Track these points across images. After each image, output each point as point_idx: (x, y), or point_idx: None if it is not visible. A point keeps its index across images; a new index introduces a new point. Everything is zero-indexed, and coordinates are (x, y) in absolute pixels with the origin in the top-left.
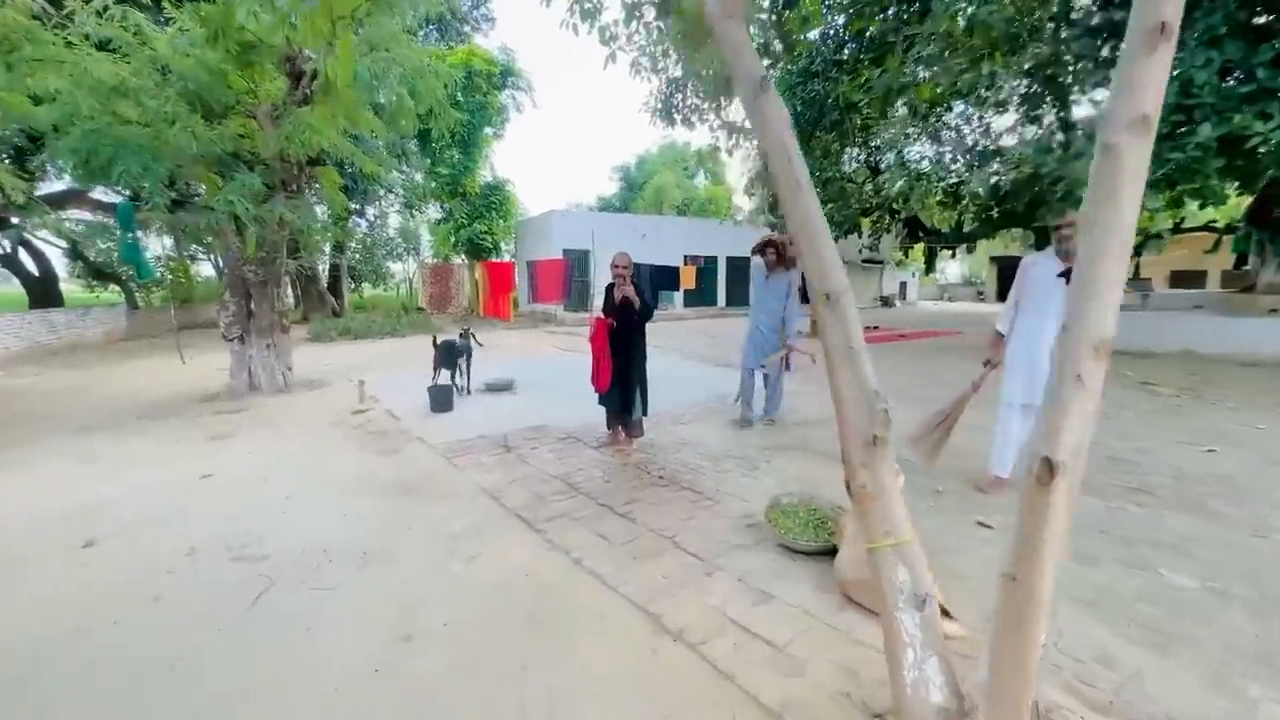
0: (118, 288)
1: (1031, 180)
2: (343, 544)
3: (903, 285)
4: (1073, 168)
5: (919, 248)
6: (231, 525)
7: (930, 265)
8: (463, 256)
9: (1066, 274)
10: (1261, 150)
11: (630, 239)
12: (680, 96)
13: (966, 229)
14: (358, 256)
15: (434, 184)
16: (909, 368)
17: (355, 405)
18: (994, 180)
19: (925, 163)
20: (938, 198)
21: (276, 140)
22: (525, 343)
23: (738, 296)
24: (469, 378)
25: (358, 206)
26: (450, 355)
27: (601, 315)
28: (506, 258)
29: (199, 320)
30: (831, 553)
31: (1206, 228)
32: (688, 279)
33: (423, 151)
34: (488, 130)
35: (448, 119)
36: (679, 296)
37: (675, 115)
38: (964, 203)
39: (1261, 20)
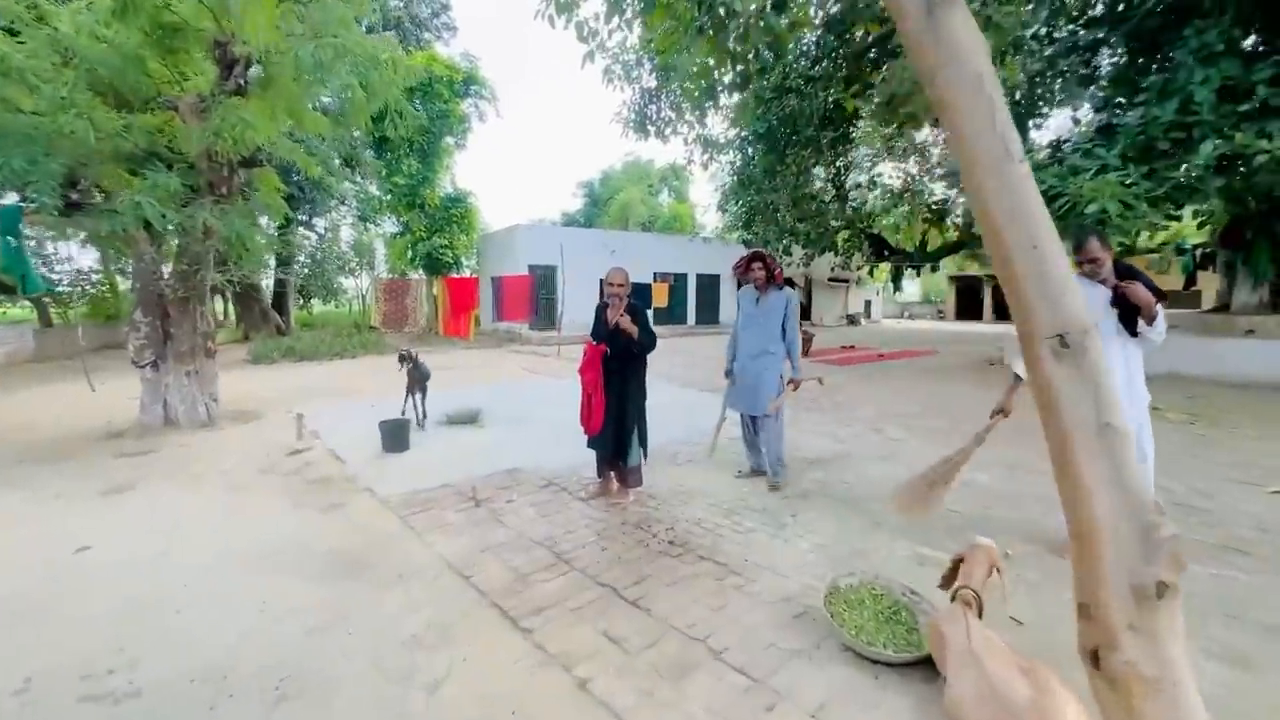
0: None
1: None
2: (253, 665)
3: (867, 304)
4: (1073, 183)
5: (884, 266)
6: (97, 633)
7: (897, 284)
8: (420, 272)
9: (1123, 304)
10: (1262, 168)
11: (599, 255)
12: (655, 108)
13: (930, 248)
14: (306, 271)
15: (390, 195)
16: (905, 392)
17: (292, 444)
18: None
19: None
20: (923, 215)
21: (201, 136)
22: (489, 364)
23: (708, 315)
24: (423, 408)
25: (305, 217)
26: (422, 377)
27: (591, 342)
28: (468, 273)
29: (121, 340)
30: (925, 663)
31: (1155, 250)
32: (659, 297)
33: (379, 159)
34: (449, 140)
35: (408, 122)
36: (648, 315)
37: (649, 127)
38: (946, 220)
39: (1259, 38)
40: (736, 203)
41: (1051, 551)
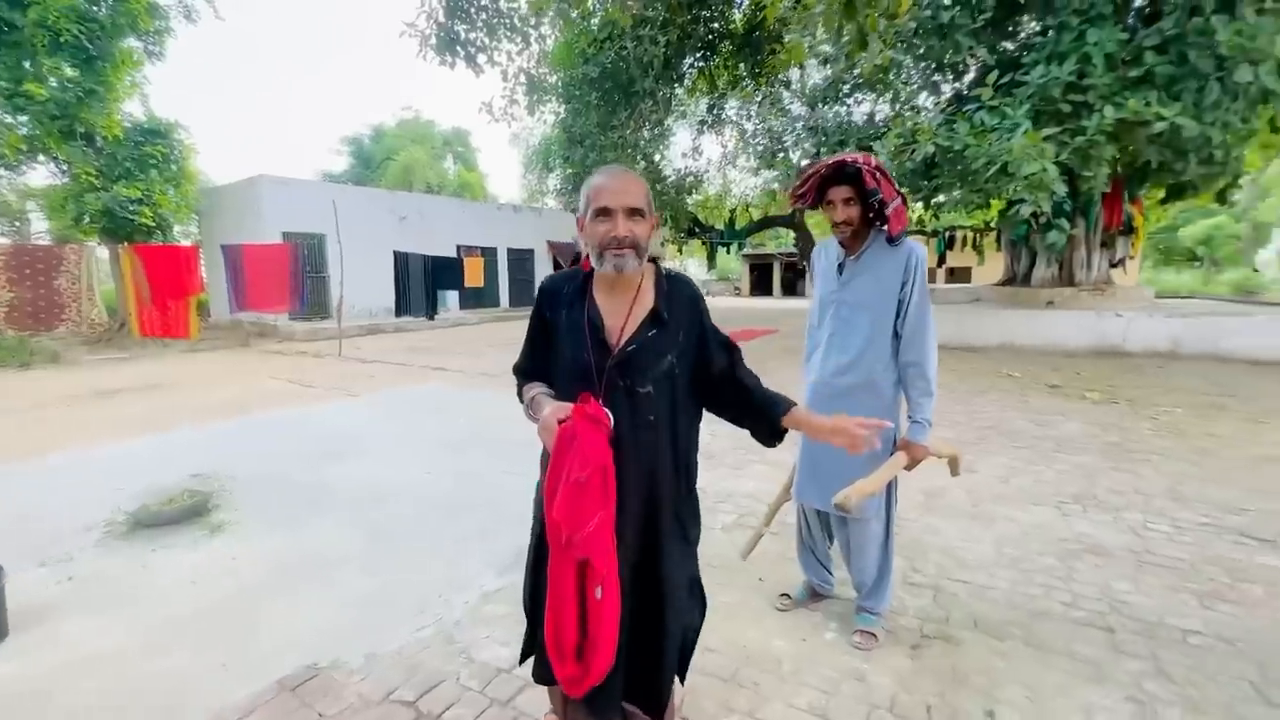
0: None
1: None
2: None
3: None
4: (986, 142)
5: (695, 243)
6: None
7: (712, 261)
8: (97, 239)
9: None
10: (1157, 138)
11: (385, 222)
12: (464, 24)
13: (738, 226)
14: None
15: (24, 115)
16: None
17: None
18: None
19: (718, 152)
20: (790, 185)
21: None
22: (228, 377)
23: (523, 295)
24: None
25: None
26: None
27: (558, 410)
28: (184, 242)
29: None
30: None
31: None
32: (473, 275)
33: None
34: (132, 41)
35: None
36: (453, 297)
37: (459, 49)
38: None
39: (1140, 2)
40: (565, 162)
41: None
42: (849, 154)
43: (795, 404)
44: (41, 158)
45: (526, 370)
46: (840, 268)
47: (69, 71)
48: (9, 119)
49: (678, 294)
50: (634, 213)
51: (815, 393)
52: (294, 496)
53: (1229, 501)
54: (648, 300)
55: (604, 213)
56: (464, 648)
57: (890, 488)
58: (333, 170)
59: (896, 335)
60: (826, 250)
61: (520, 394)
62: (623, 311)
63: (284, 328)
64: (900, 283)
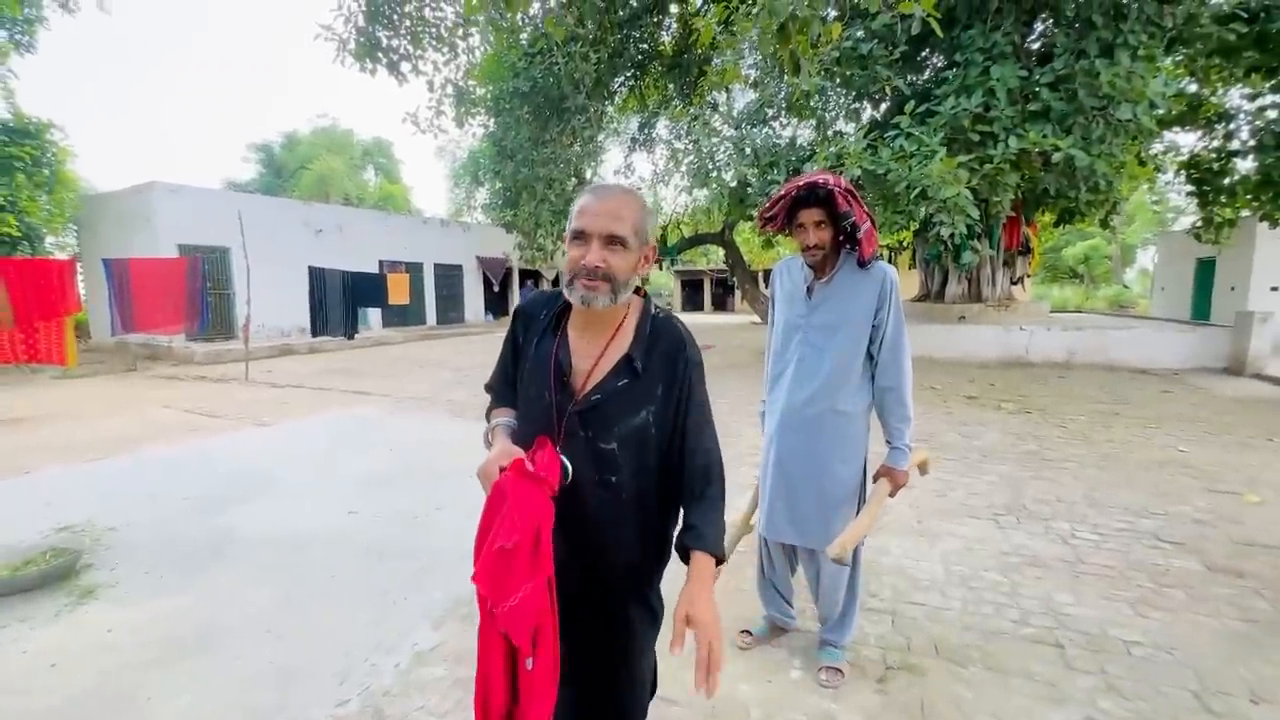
0: None
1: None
2: None
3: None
4: (907, 167)
5: None
6: None
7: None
8: None
9: None
10: (1054, 167)
11: (298, 234)
12: (386, 31)
13: (669, 243)
14: None
15: None
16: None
17: None
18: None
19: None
20: (723, 204)
21: None
22: (111, 409)
23: (451, 311)
24: None
25: None
26: None
27: (501, 453)
28: (59, 254)
29: None
30: None
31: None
32: (398, 292)
33: None
34: None
35: None
36: (375, 315)
37: (380, 56)
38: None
39: (1036, 44)
40: (496, 176)
41: None
42: (819, 174)
43: (703, 549)
44: None
45: (498, 392)
46: (809, 290)
47: None
48: None
49: (659, 341)
50: (613, 240)
51: (784, 422)
52: (189, 548)
53: (1140, 505)
54: (624, 343)
55: (579, 236)
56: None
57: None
58: (239, 179)
59: (870, 359)
60: (789, 271)
61: (488, 415)
62: (594, 353)
63: (180, 350)
64: (874, 307)
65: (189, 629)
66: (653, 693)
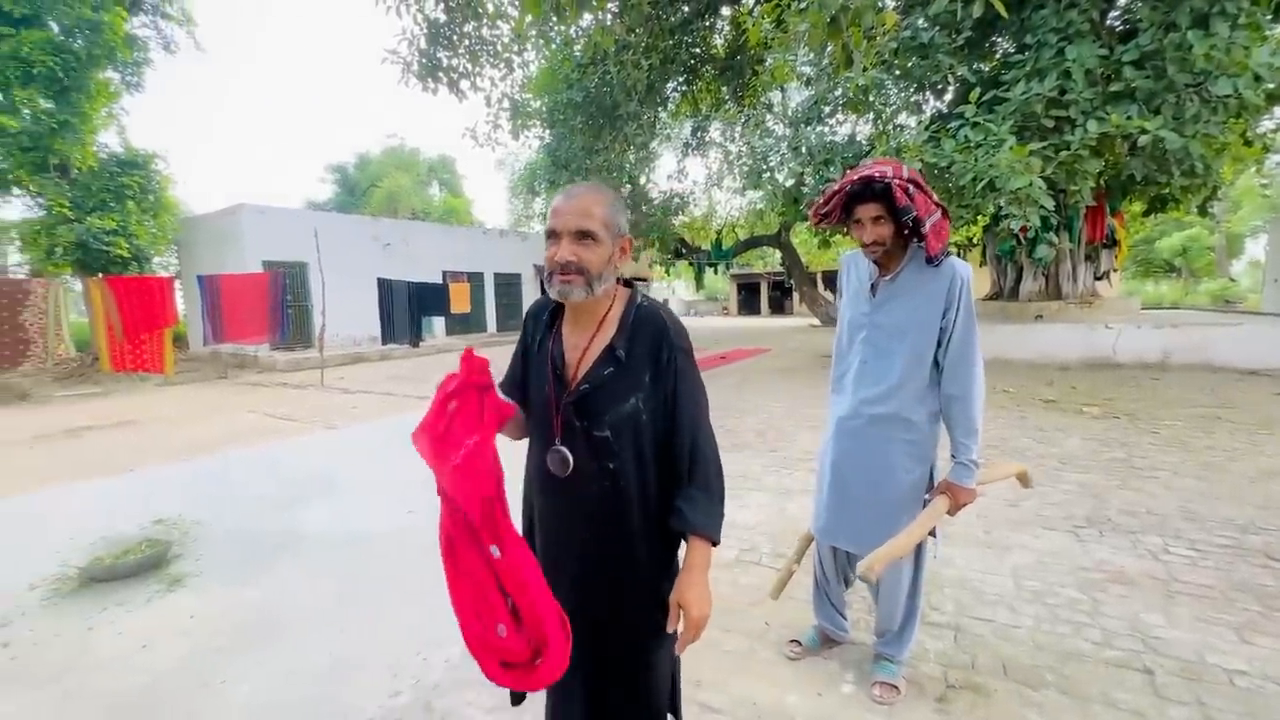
0: None
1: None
2: None
3: (664, 302)
4: (974, 158)
5: (683, 264)
6: None
7: (700, 281)
8: (71, 273)
9: None
10: (1142, 151)
11: (367, 249)
12: (446, 51)
13: (725, 246)
14: None
15: None
16: (815, 403)
17: None
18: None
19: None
20: (777, 205)
21: None
22: (203, 413)
23: (510, 319)
24: None
25: None
26: None
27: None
28: (164, 273)
29: None
30: None
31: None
32: (459, 301)
33: None
34: (110, 74)
35: None
36: (439, 323)
37: (441, 76)
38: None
39: (1117, 21)
40: (550, 186)
41: None
42: (875, 166)
43: (690, 532)
44: (16, 190)
45: (506, 392)
46: (873, 288)
47: (43, 103)
48: None
49: (642, 328)
50: (583, 236)
51: (842, 425)
52: (263, 543)
53: (1246, 520)
54: (609, 334)
55: (551, 235)
56: (443, 716)
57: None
58: (317, 198)
59: (937, 364)
60: (856, 266)
61: None
62: (583, 345)
63: (264, 358)
64: (943, 308)
65: (257, 618)
66: (674, 706)
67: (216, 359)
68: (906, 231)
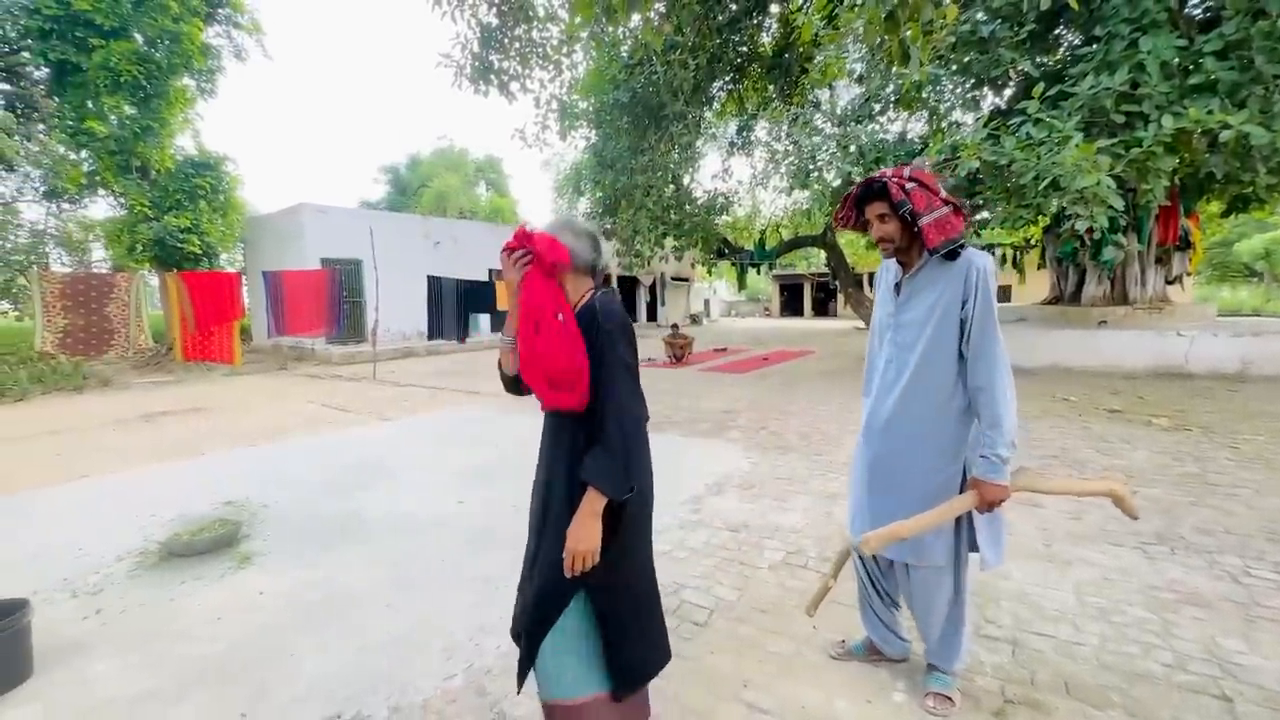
0: None
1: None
2: None
3: (706, 303)
4: (1034, 155)
5: (725, 264)
6: None
7: (742, 281)
8: (148, 268)
9: None
10: (1223, 146)
11: (418, 247)
12: (498, 54)
13: (768, 246)
14: None
15: (85, 151)
16: (856, 409)
17: None
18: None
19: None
20: (824, 205)
21: None
22: (265, 401)
23: None
24: None
25: None
26: None
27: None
28: (231, 269)
29: None
30: None
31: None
32: (505, 298)
33: (62, 95)
34: (187, 81)
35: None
36: (485, 320)
37: (492, 78)
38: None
39: (1197, 11)
40: (596, 185)
41: None
42: (885, 170)
43: (584, 479)
44: (101, 191)
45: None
46: (897, 288)
47: (127, 109)
48: (72, 155)
49: (586, 315)
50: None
51: (871, 425)
52: (323, 526)
53: None
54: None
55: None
56: (495, 701)
57: (962, 529)
58: (370, 198)
59: (962, 358)
60: (887, 268)
61: None
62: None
63: (321, 351)
64: (961, 299)
65: (321, 597)
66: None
67: (278, 351)
68: (909, 223)
